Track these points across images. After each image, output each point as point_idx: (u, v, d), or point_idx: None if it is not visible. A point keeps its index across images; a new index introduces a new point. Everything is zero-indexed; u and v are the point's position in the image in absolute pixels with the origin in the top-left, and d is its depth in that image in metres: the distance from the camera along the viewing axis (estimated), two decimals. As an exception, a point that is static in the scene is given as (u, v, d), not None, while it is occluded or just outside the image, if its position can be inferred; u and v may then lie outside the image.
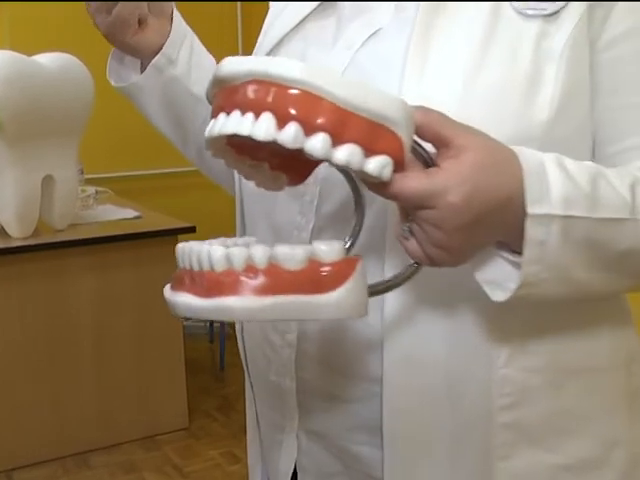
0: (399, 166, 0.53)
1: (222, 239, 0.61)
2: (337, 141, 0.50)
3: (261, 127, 0.50)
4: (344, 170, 0.62)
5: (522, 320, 0.68)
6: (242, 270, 0.52)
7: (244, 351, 0.88)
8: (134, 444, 2.72)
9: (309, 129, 0.50)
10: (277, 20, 0.82)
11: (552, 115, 0.64)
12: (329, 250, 0.53)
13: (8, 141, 2.31)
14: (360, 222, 0.65)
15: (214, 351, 3.67)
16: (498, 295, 0.60)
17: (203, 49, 0.90)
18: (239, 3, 4.06)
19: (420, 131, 0.55)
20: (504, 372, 0.68)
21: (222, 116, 0.53)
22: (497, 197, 0.56)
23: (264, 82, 0.51)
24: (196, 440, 2.78)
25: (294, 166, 0.61)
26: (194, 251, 0.54)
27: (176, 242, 2.50)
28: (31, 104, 2.29)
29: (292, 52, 0.77)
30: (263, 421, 0.87)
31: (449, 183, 0.54)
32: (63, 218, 2.56)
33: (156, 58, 0.84)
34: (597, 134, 0.69)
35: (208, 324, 3.79)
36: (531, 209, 0.56)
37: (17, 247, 2.41)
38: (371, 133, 0.51)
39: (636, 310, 0.79)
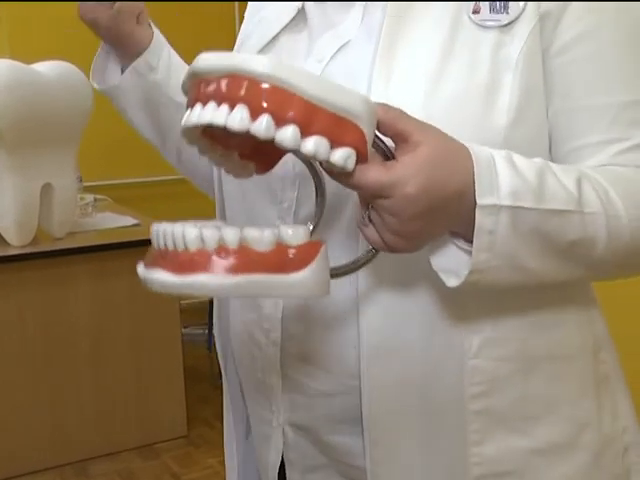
0: (362, 158, 0.57)
1: (193, 222, 0.65)
2: (305, 133, 0.55)
3: (235, 118, 0.54)
4: (311, 169, 0.67)
5: (491, 312, 0.72)
6: (214, 250, 0.56)
7: (224, 350, 0.94)
8: (133, 452, 2.71)
9: (280, 121, 0.54)
10: (252, 35, 0.87)
11: (510, 121, 0.68)
12: (295, 234, 0.58)
13: (7, 149, 2.31)
14: (321, 207, 0.69)
15: (212, 359, 3.67)
16: (452, 281, 0.64)
17: (179, 59, 0.94)
18: (237, 3, 4.08)
19: (381, 127, 0.60)
20: (474, 362, 0.71)
21: (198, 107, 0.57)
22: (450, 188, 0.60)
23: (238, 76, 0.55)
24: (195, 448, 2.77)
25: (262, 156, 0.65)
26: (168, 232, 0.58)
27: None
28: (30, 112, 2.29)
29: None
30: (252, 416, 0.91)
31: (405, 175, 0.58)
32: (62, 226, 2.56)
33: (136, 61, 0.89)
34: (552, 135, 0.73)
35: (206, 332, 3.78)
36: (480, 200, 0.61)
37: (16, 255, 2.41)
38: (337, 126, 0.55)
39: (603, 297, 0.82)
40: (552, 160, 0.72)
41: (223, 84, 0.55)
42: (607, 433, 0.77)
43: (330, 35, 0.77)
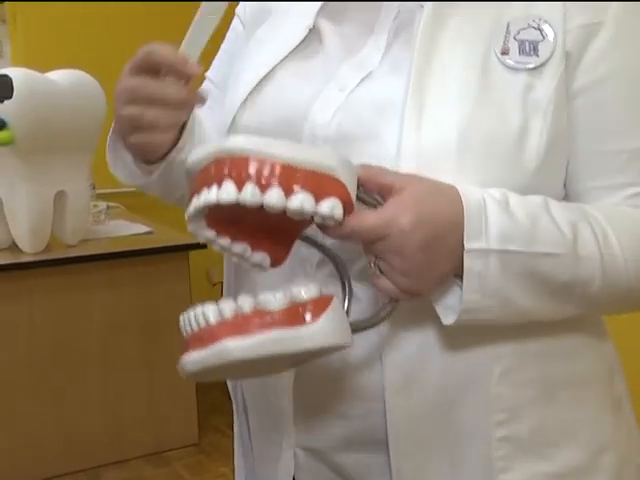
0: (348, 208, 0.61)
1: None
2: (289, 193, 0.59)
3: (222, 192, 0.59)
4: (323, 250, 0.71)
5: (512, 340, 0.71)
6: (231, 317, 0.60)
7: None
8: (143, 460, 2.71)
9: (263, 187, 0.58)
10: (249, 60, 0.83)
11: (539, 164, 0.68)
12: (306, 289, 0.60)
13: (21, 157, 2.33)
14: (349, 293, 0.68)
15: (224, 367, 3.66)
16: (449, 319, 0.65)
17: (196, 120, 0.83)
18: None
19: (365, 184, 0.62)
20: (498, 389, 0.71)
21: (194, 198, 0.62)
22: (443, 218, 0.62)
23: (221, 159, 0.60)
24: (206, 456, 2.77)
25: (273, 245, 0.68)
26: (191, 315, 0.62)
27: (187, 258, 2.49)
28: (44, 121, 2.31)
29: (279, 87, 0.78)
30: (256, 437, 0.89)
31: (395, 212, 0.60)
32: (75, 233, 2.57)
33: (172, 155, 0.78)
34: (567, 173, 0.72)
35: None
36: (468, 244, 0.62)
37: (29, 262, 2.42)
38: (317, 181, 0.59)
39: (613, 325, 0.83)
40: (565, 196, 0.73)
41: (210, 169, 0.61)
42: (624, 454, 0.77)
43: (351, 64, 0.75)
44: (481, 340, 0.71)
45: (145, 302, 2.65)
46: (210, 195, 0.60)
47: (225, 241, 0.66)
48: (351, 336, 0.62)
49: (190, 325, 0.62)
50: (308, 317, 0.59)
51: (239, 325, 0.59)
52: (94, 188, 2.99)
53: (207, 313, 0.60)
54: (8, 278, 2.41)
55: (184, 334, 0.64)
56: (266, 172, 0.59)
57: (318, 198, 0.59)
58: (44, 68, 2.43)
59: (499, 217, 0.63)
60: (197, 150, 0.63)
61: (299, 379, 0.78)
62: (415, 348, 0.71)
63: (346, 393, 0.75)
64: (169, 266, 2.65)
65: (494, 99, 0.68)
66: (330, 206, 0.59)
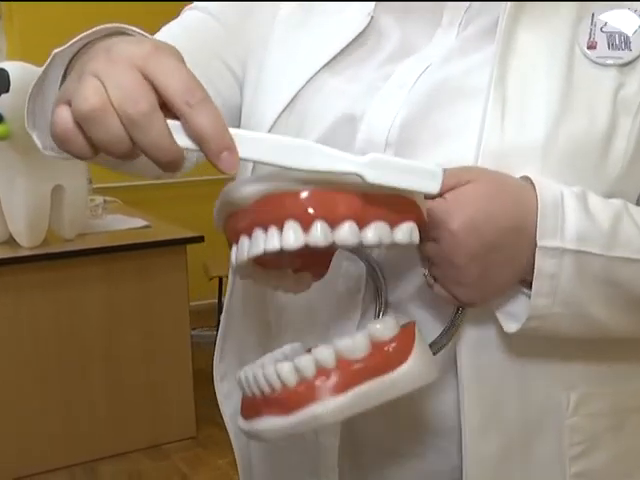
0: (423, 227, 0.54)
1: (270, 355, 0.61)
2: (362, 224, 0.50)
3: (289, 237, 0.49)
4: (355, 251, 0.64)
5: (585, 366, 0.66)
6: (314, 376, 0.52)
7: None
8: (142, 453, 2.72)
9: (333, 222, 0.50)
10: (295, 53, 0.73)
11: (623, 170, 0.62)
12: (385, 327, 0.54)
13: (18, 151, 2.32)
14: (383, 298, 0.65)
15: (222, 360, 3.67)
16: (512, 326, 0.60)
17: None
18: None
19: None
20: (573, 421, 0.66)
21: (245, 240, 0.52)
22: (506, 225, 0.56)
23: (273, 195, 0.50)
24: (204, 449, 2.78)
25: (315, 261, 0.61)
26: (259, 375, 0.54)
27: (185, 252, 2.48)
28: (41, 115, 2.30)
29: (328, 90, 0.70)
30: (279, 476, 0.81)
31: (449, 210, 0.55)
32: (72, 227, 2.57)
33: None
34: None
35: (215, 333, 3.79)
36: (541, 241, 0.56)
37: (26, 256, 2.42)
38: (391, 207, 0.51)
39: None
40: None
41: (262, 208, 0.51)
42: None
43: (415, 59, 0.67)
44: (554, 368, 0.65)
45: (143, 296, 2.65)
46: (270, 240, 0.50)
47: (270, 272, 0.59)
48: (437, 367, 0.56)
49: (259, 387, 0.54)
50: (396, 359, 0.53)
51: (325, 385, 0.51)
52: (91, 182, 2.99)
53: (283, 376, 0.52)
54: (5, 272, 2.41)
55: (247, 393, 0.56)
56: (335, 206, 0.50)
57: (393, 224, 0.51)
58: (40, 63, 2.42)
59: (577, 215, 0.57)
60: (243, 186, 0.52)
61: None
62: (493, 385, 0.64)
63: (414, 428, 0.67)
64: (166, 260, 2.65)
65: (581, 97, 0.61)
66: (408, 232, 0.52)
